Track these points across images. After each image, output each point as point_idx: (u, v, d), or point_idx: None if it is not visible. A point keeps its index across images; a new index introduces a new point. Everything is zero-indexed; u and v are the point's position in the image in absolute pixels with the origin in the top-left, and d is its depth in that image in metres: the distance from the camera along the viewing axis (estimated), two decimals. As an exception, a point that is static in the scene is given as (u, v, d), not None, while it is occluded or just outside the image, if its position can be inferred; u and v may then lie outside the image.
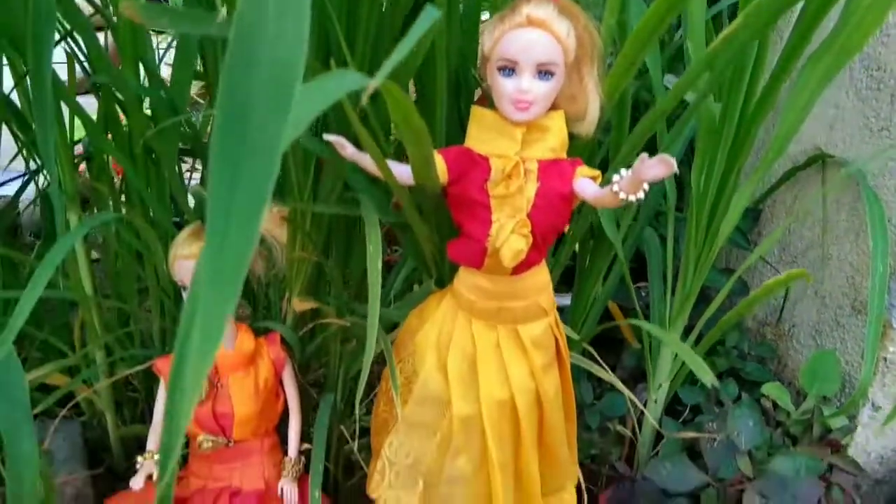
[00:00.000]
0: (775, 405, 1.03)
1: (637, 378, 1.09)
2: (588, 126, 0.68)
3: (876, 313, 0.86)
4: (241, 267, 0.34)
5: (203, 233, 0.75)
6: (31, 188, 0.97)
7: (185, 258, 0.77)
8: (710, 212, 0.86)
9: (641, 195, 0.57)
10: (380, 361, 0.85)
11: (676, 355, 0.98)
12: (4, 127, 0.83)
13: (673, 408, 1.05)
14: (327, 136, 0.61)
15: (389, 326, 0.86)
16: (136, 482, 0.76)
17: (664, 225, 1.07)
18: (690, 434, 0.91)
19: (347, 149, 0.62)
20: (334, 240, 0.83)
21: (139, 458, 0.78)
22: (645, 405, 1.02)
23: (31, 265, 0.84)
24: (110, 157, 0.85)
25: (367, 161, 0.63)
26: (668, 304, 0.95)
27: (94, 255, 0.91)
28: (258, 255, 0.84)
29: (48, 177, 0.80)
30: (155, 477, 0.77)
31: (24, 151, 0.90)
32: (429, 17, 0.42)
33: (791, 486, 0.86)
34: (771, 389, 1.03)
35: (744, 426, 0.89)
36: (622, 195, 0.58)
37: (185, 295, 0.79)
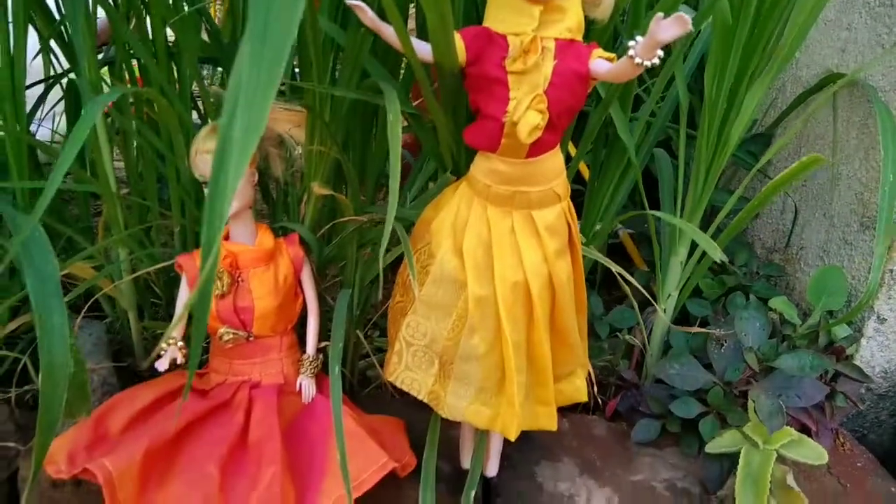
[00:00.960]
0: (783, 319, 1.05)
1: (645, 302, 1.11)
2: (604, 10, 0.69)
3: (885, 221, 0.88)
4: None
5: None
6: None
7: (207, 152, 0.78)
8: (722, 117, 0.87)
9: (657, 60, 0.59)
10: (394, 267, 0.87)
11: (684, 268, 1.00)
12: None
13: (681, 323, 1.07)
14: (349, 2, 0.63)
15: (406, 226, 0.89)
16: (162, 364, 0.79)
17: (676, 149, 1.08)
18: (698, 329, 0.93)
19: (368, 13, 0.63)
20: (352, 136, 0.84)
21: (163, 345, 0.80)
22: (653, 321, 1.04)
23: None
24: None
25: (387, 31, 0.64)
26: (678, 212, 0.96)
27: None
28: (277, 156, 0.85)
29: (75, 70, 0.82)
30: (180, 360, 0.79)
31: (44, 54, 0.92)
32: None
33: (796, 384, 0.88)
34: (778, 303, 1.05)
35: (751, 327, 0.91)
36: (638, 59, 0.59)
37: (206, 190, 0.80)
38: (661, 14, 0.56)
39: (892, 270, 1.01)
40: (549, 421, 0.76)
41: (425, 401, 0.76)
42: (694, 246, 1.00)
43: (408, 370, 0.75)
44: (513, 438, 0.73)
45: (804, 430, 0.95)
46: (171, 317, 1.02)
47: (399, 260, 0.85)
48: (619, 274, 0.86)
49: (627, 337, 1.03)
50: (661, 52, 0.59)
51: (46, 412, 0.72)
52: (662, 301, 1.01)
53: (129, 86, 0.90)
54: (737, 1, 0.82)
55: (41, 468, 0.72)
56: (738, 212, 0.95)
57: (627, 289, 0.96)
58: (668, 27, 0.56)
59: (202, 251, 0.39)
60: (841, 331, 1.01)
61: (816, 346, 1.00)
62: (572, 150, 1.08)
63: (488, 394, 0.73)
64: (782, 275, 1.20)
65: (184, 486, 0.75)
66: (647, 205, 0.95)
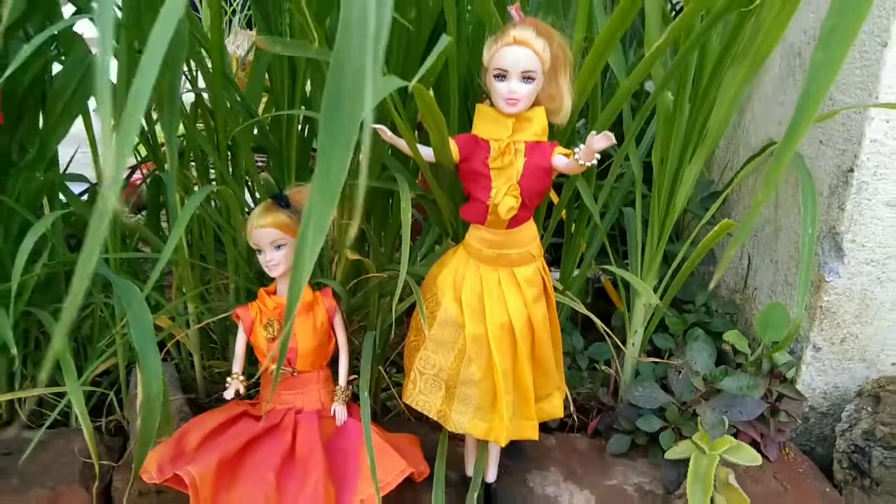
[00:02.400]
0: (735, 350, 1.26)
1: (623, 336, 1.32)
2: (563, 117, 0.92)
3: (806, 263, 1.08)
4: (337, 185, 0.58)
5: (273, 208, 1.00)
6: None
7: (260, 227, 1.01)
8: (671, 183, 1.09)
9: (594, 161, 0.81)
10: (409, 313, 1.08)
11: (647, 308, 1.21)
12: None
13: (652, 355, 1.28)
14: (373, 125, 0.86)
15: (417, 280, 1.11)
16: (229, 393, 1.00)
17: (645, 207, 1.30)
18: (658, 360, 1.14)
19: (387, 133, 0.86)
20: (374, 210, 1.07)
21: (228, 379, 1.02)
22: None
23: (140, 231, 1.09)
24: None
25: (401, 143, 0.87)
26: (640, 261, 1.18)
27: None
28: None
29: (162, 163, 1.06)
30: (241, 391, 1.01)
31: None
32: (444, 41, 0.66)
33: (739, 402, 1.09)
34: (731, 336, 1.25)
35: (700, 356, 1.12)
36: (581, 161, 0.82)
37: (259, 256, 1.03)
38: (594, 131, 0.78)
39: (821, 307, 1.21)
40: (532, 432, 0.97)
41: (434, 418, 0.97)
42: (656, 288, 1.21)
43: (421, 394, 0.97)
44: (503, 444, 0.94)
45: (754, 444, 1.15)
46: (226, 358, 1.24)
47: (413, 307, 1.07)
48: (592, 314, 1.08)
49: (604, 367, 1.24)
50: (598, 156, 0.81)
51: (145, 431, 0.94)
52: (631, 336, 1.22)
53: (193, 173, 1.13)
54: (676, 92, 1.04)
55: (138, 476, 0.94)
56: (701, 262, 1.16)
57: (602, 326, 1.17)
58: (599, 141, 0.78)
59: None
60: (781, 357, 1.21)
61: (761, 372, 1.20)
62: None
63: (484, 411, 0.94)
64: (739, 312, 1.41)
65: (248, 488, 0.95)
66: (612, 257, 1.17)
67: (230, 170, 1.07)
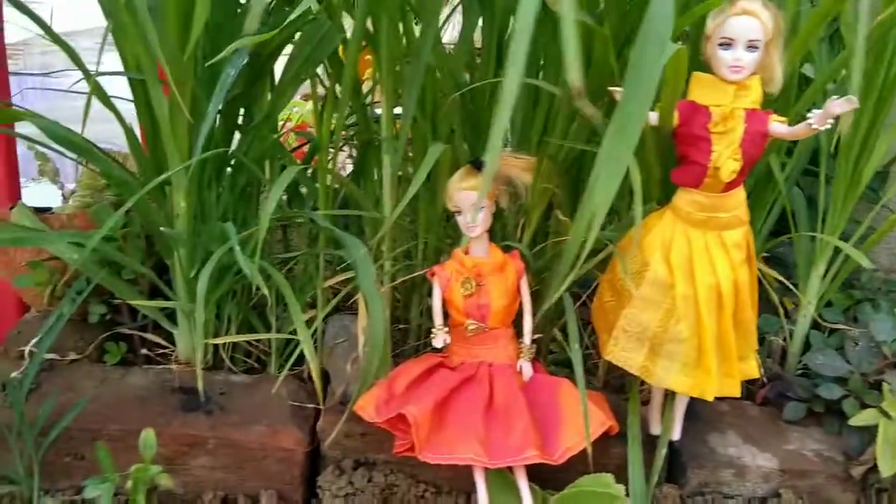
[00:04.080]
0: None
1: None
2: (775, 86, 0.95)
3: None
4: (633, 136, 0.63)
5: (474, 172, 1.06)
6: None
7: (462, 189, 1.07)
8: (857, 156, 1.11)
9: (828, 125, 0.85)
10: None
11: (823, 279, 1.23)
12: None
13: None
14: (611, 88, 0.91)
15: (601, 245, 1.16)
16: (437, 342, 1.07)
17: (808, 187, 1.32)
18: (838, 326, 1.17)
19: (618, 94, 0.91)
20: (567, 175, 1.13)
21: (434, 330, 1.09)
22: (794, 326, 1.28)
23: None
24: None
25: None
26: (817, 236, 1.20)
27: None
28: (504, 192, 1.14)
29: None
30: (448, 340, 1.08)
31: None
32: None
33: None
34: (902, 310, 1.26)
35: (882, 326, 1.14)
36: (814, 125, 0.85)
37: (458, 218, 1.09)
38: (835, 96, 0.82)
39: None
40: (733, 389, 1.01)
41: (636, 373, 1.02)
42: (828, 267, 1.24)
43: (623, 351, 1.02)
44: (710, 399, 0.98)
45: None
46: (408, 318, 1.31)
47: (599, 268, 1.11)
48: (777, 281, 1.11)
49: (773, 339, 1.27)
50: (831, 121, 0.84)
51: (367, 370, 1.01)
52: (804, 308, 1.25)
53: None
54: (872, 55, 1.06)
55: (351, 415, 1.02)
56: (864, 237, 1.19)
57: (776, 298, 1.21)
58: (839, 105, 0.82)
59: (571, 241, 0.66)
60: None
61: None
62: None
63: (689, 367, 0.99)
64: (902, 290, 1.41)
65: (458, 429, 1.02)
66: (794, 228, 1.20)
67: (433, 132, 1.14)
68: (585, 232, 0.67)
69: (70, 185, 1.37)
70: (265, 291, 0.93)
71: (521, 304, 1.15)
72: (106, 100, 1.05)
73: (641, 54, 0.63)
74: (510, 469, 1.05)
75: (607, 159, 0.65)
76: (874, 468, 1.08)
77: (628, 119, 0.64)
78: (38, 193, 1.58)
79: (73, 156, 1.09)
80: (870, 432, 1.10)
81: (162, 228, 1.05)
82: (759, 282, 1.09)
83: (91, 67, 1.02)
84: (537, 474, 1.06)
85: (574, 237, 0.69)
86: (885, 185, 1.48)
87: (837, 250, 1.22)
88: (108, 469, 0.97)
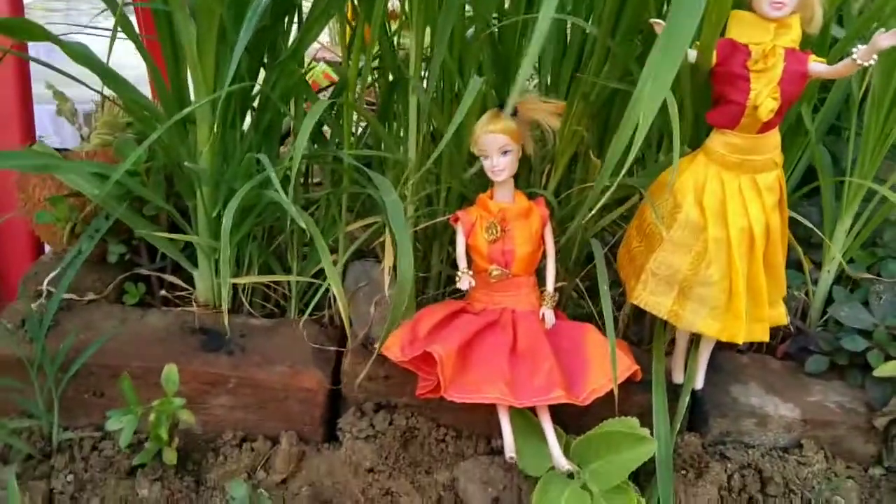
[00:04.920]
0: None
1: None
2: (815, 26, 0.93)
3: None
4: (680, 51, 0.62)
5: (501, 115, 1.04)
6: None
7: (491, 132, 1.05)
8: (889, 106, 1.10)
9: (873, 62, 0.83)
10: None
11: (848, 234, 1.22)
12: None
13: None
14: (652, 20, 0.90)
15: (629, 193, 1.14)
16: (463, 284, 1.06)
17: (832, 144, 1.31)
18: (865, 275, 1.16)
19: (659, 27, 0.90)
20: (595, 120, 1.11)
21: (459, 273, 1.08)
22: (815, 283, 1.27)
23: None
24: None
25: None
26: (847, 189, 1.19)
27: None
28: (531, 138, 1.12)
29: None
30: (472, 283, 1.07)
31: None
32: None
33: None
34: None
35: (909, 280, 1.13)
36: (859, 61, 0.84)
37: (484, 162, 1.07)
38: (882, 29, 0.80)
39: None
40: (763, 334, 1.00)
41: (664, 317, 1.01)
42: (853, 223, 1.23)
43: (652, 295, 1.01)
44: (740, 342, 0.98)
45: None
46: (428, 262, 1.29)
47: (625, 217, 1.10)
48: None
49: (795, 292, 1.26)
50: (875, 57, 0.83)
51: (396, 310, 1.00)
52: (828, 263, 1.24)
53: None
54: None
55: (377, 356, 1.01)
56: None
57: (800, 251, 1.20)
58: (888, 38, 0.80)
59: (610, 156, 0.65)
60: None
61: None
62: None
63: (718, 311, 0.98)
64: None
65: (483, 371, 1.01)
66: (823, 176, 1.19)
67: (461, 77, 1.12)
68: (626, 147, 0.66)
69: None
70: (303, 225, 0.91)
71: (544, 254, 1.14)
72: (131, 33, 1.03)
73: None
74: (534, 412, 1.05)
75: (654, 70, 0.63)
76: (897, 419, 1.08)
77: (677, 31, 0.62)
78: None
79: (94, 87, 1.08)
80: (892, 384, 1.10)
81: (186, 163, 1.03)
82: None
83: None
84: (559, 420, 1.05)
85: (614, 150, 0.68)
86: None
87: (860, 210, 1.21)
88: (133, 401, 0.97)
